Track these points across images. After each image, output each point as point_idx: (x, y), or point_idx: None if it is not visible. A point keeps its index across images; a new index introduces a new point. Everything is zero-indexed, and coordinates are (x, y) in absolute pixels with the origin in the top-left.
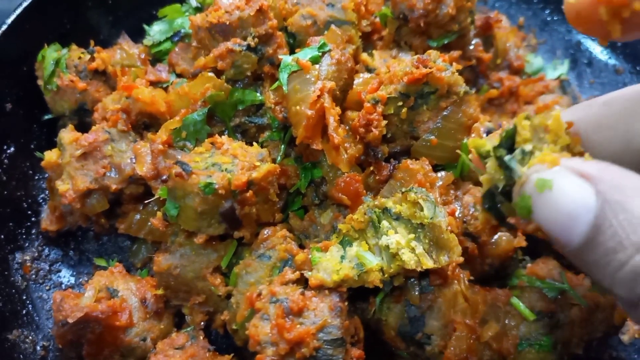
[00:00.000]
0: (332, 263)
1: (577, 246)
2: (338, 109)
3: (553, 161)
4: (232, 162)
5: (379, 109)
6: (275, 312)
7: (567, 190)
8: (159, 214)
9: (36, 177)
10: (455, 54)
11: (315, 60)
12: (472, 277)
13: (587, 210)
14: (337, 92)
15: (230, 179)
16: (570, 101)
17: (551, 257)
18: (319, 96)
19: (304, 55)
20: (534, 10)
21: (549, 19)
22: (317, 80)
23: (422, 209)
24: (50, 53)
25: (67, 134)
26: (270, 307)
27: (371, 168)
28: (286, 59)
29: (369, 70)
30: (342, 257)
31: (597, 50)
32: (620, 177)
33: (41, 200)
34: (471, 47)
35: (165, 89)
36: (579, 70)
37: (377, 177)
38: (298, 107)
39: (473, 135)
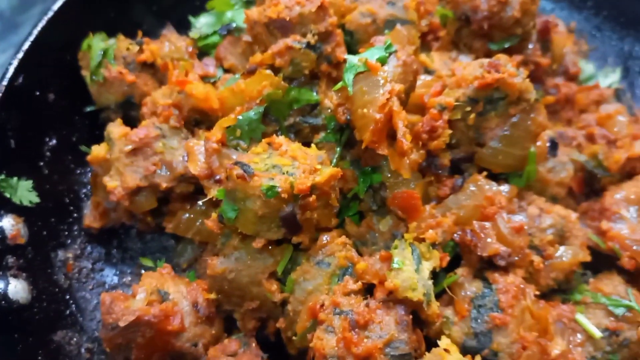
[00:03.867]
0: (410, 275)
1: None
2: (404, 113)
3: None
4: (292, 165)
5: (445, 116)
6: (341, 325)
7: None
8: (214, 215)
9: (78, 172)
10: (518, 58)
11: (383, 61)
12: (537, 292)
13: None
14: (402, 95)
15: (292, 182)
16: (626, 111)
17: (614, 273)
18: (388, 99)
19: (371, 55)
20: (586, 15)
21: (601, 25)
22: (386, 82)
23: None
24: (97, 43)
25: (116, 128)
26: (334, 319)
27: (432, 177)
28: (352, 59)
29: (427, 72)
30: (416, 271)
31: None
32: None
33: (83, 196)
34: (528, 52)
35: (213, 84)
36: (630, 79)
37: (438, 192)
38: (365, 110)
39: (539, 143)
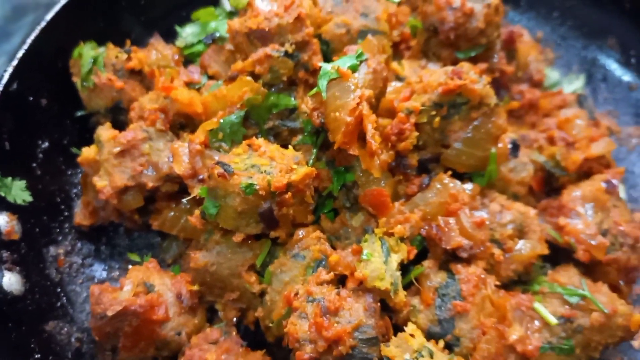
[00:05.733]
0: (378, 266)
1: None
2: (374, 117)
3: None
4: (270, 165)
5: (412, 119)
6: (313, 311)
7: None
8: (197, 212)
9: (68, 173)
10: (482, 66)
11: (354, 69)
12: (497, 282)
13: None
14: (372, 100)
15: (270, 180)
16: (587, 115)
17: (571, 265)
18: (358, 104)
19: (343, 63)
20: (552, 25)
21: (566, 34)
22: (357, 88)
23: None
24: (88, 51)
25: (105, 132)
26: (307, 306)
27: (400, 176)
28: (325, 66)
29: (398, 79)
30: (385, 262)
31: (613, 67)
32: None
33: (74, 195)
34: (494, 60)
35: (198, 90)
36: (593, 85)
37: (407, 190)
38: (337, 114)
39: (500, 144)
